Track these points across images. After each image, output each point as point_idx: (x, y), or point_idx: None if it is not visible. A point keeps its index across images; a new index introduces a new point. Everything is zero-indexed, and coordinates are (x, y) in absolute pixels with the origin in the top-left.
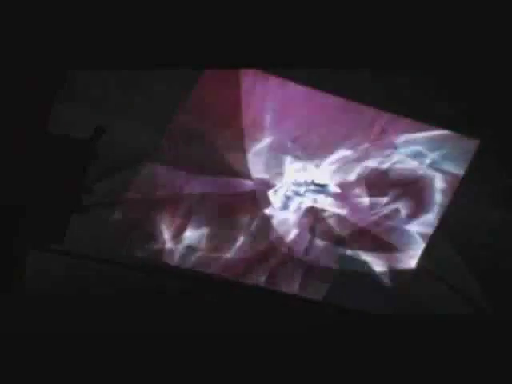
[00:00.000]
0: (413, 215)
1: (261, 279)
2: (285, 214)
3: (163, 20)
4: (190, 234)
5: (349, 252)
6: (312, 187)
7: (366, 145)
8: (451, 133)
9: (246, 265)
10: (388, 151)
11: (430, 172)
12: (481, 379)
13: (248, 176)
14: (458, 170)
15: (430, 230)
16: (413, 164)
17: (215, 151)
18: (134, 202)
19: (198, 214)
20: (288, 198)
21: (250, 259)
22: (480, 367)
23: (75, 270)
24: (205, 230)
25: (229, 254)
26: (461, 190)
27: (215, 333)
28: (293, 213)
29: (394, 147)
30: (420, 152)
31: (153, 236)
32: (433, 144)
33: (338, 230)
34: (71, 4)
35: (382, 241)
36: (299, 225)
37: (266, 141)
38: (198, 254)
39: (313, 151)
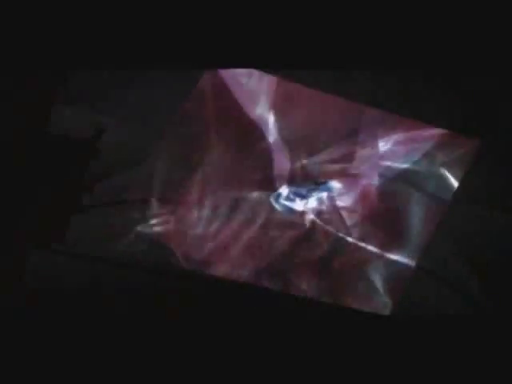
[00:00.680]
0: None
1: (257, 277)
2: (288, 214)
3: (163, 20)
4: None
5: (349, 249)
6: (313, 186)
7: (366, 144)
8: (451, 133)
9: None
10: (388, 151)
11: (431, 172)
12: (481, 379)
13: (248, 181)
14: (458, 170)
15: (432, 225)
16: (412, 163)
17: (215, 151)
18: (133, 202)
19: (198, 214)
20: (291, 201)
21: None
22: (480, 367)
23: (75, 270)
24: (204, 230)
25: (235, 252)
26: (461, 190)
27: (215, 333)
28: (297, 214)
29: (394, 146)
30: (420, 152)
31: (152, 236)
32: (433, 144)
33: (339, 227)
34: (71, 4)
35: (385, 236)
36: (300, 224)
37: (267, 141)
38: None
39: (314, 151)
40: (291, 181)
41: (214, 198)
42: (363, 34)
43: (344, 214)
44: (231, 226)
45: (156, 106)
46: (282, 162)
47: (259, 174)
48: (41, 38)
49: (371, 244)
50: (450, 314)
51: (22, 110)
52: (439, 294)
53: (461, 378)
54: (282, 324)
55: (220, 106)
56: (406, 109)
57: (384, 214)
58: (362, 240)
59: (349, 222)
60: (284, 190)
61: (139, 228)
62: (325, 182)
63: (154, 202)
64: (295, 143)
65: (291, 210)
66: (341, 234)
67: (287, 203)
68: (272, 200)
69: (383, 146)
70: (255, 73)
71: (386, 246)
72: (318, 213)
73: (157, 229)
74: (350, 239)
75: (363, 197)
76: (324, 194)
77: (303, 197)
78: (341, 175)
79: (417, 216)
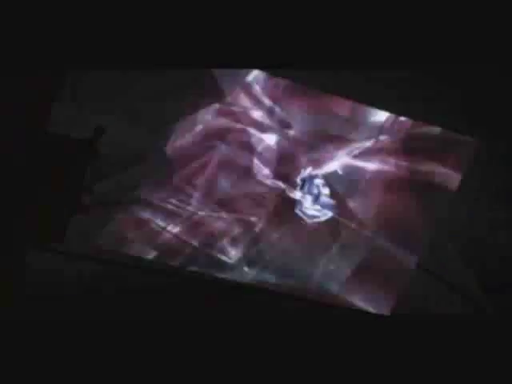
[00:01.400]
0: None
1: None
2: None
3: (163, 20)
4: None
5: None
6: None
7: (367, 144)
8: (451, 133)
9: None
10: (388, 151)
11: (430, 171)
12: (481, 379)
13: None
14: (458, 170)
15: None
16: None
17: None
18: (133, 202)
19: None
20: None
21: None
22: (480, 367)
23: (75, 270)
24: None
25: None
26: (461, 190)
27: (214, 332)
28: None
29: (395, 146)
30: (420, 152)
31: (152, 236)
32: (432, 143)
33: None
34: (71, 4)
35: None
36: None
37: (272, 139)
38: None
39: (318, 149)
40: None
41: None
42: (363, 34)
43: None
44: (236, 226)
45: (156, 106)
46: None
47: (265, 170)
48: (41, 38)
49: (371, 243)
50: (450, 314)
51: (22, 110)
52: (439, 294)
53: (461, 378)
54: (281, 324)
55: (220, 106)
56: (406, 109)
57: (384, 214)
58: (362, 240)
59: (349, 222)
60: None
61: (139, 228)
62: (320, 183)
63: (155, 202)
64: (295, 142)
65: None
66: (341, 234)
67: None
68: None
69: (383, 145)
70: (256, 73)
71: (386, 245)
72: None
73: (157, 229)
74: (349, 239)
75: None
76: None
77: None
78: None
79: (417, 216)
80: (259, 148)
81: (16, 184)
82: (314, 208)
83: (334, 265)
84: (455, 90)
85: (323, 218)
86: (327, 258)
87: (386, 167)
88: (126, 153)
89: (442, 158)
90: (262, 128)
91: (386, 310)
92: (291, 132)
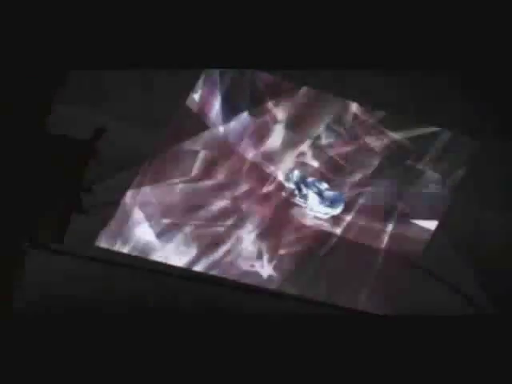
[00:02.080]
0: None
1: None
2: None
3: (163, 20)
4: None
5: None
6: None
7: (367, 144)
8: (451, 133)
9: None
10: (388, 151)
11: (430, 171)
12: (481, 379)
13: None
14: (458, 170)
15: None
16: (413, 163)
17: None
18: (133, 202)
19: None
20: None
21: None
22: (480, 367)
23: (75, 270)
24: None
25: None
26: (460, 190)
27: (214, 333)
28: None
29: (395, 146)
30: (420, 152)
31: (152, 236)
32: (433, 144)
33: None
34: (71, 4)
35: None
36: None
37: (270, 140)
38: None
39: (313, 150)
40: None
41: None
42: (363, 34)
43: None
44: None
45: (156, 105)
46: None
47: (263, 170)
48: (41, 39)
49: (371, 244)
50: (449, 314)
51: (22, 110)
52: (439, 294)
53: (461, 378)
54: (281, 324)
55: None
56: (407, 109)
57: (383, 214)
58: (362, 240)
59: (346, 222)
60: (295, 176)
61: (139, 228)
62: (313, 181)
63: (154, 202)
64: (294, 142)
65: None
66: (340, 234)
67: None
68: (283, 179)
69: (383, 145)
70: (256, 73)
71: (386, 246)
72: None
73: (157, 229)
74: (348, 239)
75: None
76: (311, 191)
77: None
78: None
79: (417, 216)
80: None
81: (16, 184)
82: (322, 206)
83: None
84: (455, 89)
85: (336, 212)
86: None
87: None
88: (125, 153)
89: (441, 158)
90: None
91: (386, 311)
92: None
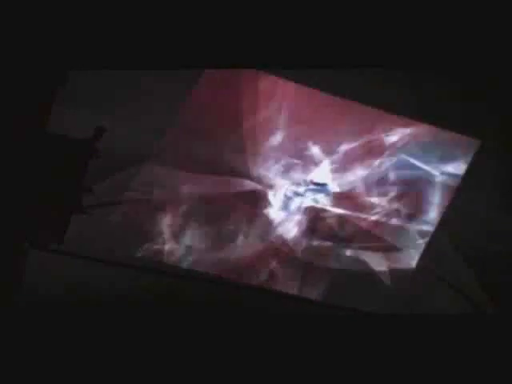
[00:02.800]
0: (413, 215)
1: (261, 279)
2: (285, 213)
3: (163, 20)
4: (190, 234)
5: (349, 252)
6: (311, 187)
7: (366, 145)
8: (451, 133)
9: (246, 264)
10: (388, 151)
11: (430, 172)
12: (481, 379)
13: (248, 176)
14: (458, 170)
15: (430, 230)
16: (413, 164)
17: (215, 151)
18: (133, 202)
19: (197, 214)
20: (288, 199)
21: (250, 259)
22: (480, 367)
23: (75, 270)
24: (205, 230)
25: (229, 254)
26: (461, 190)
27: (215, 333)
28: (293, 213)
29: (395, 147)
30: (420, 152)
31: (152, 236)
32: (433, 144)
33: (338, 229)
34: (71, 4)
35: (382, 240)
36: (299, 224)
37: (266, 141)
38: (198, 253)
39: (312, 151)
40: (290, 179)
41: (212, 195)
42: (362, 35)
43: (336, 219)
44: (230, 222)
45: (156, 105)
46: (281, 162)
47: (260, 172)
48: (41, 38)
49: (371, 245)
50: (450, 314)
51: (22, 110)
52: (439, 294)
53: (460, 378)
54: (282, 324)
55: (221, 106)
56: (407, 109)
57: (376, 223)
58: (363, 240)
59: (340, 228)
60: (282, 188)
61: (139, 228)
62: (323, 184)
63: (154, 201)
64: (294, 142)
65: (287, 206)
66: (340, 235)
67: (284, 200)
68: (270, 197)
69: (383, 146)
70: (256, 73)
71: (387, 246)
72: (315, 213)
73: (157, 229)
74: (349, 238)
75: (356, 207)
76: (321, 195)
77: (300, 195)
78: (337, 177)
79: (417, 215)
80: None
81: (16, 184)
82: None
83: None
84: (455, 89)
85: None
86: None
87: (384, 167)
88: (126, 153)
89: (441, 158)
90: None
91: (386, 310)
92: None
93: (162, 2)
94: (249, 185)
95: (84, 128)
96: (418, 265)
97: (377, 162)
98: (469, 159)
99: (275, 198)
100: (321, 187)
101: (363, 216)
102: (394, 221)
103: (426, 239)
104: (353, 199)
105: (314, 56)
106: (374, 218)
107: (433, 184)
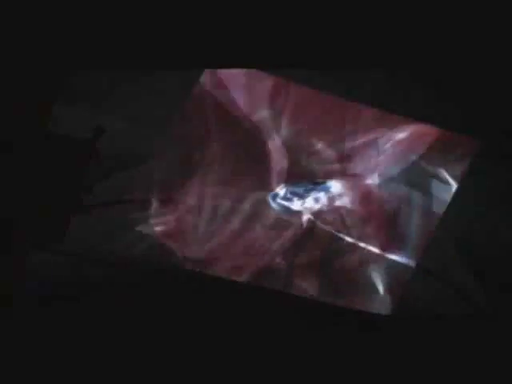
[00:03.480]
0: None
1: (257, 277)
2: (285, 214)
3: (163, 20)
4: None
5: (348, 252)
6: (311, 186)
7: (366, 144)
8: (451, 133)
9: (245, 264)
10: (388, 151)
11: (430, 172)
12: (481, 379)
13: (249, 178)
14: (458, 170)
15: (431, 225)
16: (412, 163)
17: (215, 151)
18: (134, 202)
19: (197, 214)
20: (288, 200)
21: (253, 260)
22: (480, 367)
23: (75, 270)
24: (203, 230)
25: (235, 252)
26: (460, 190)
27: (214, 333)
28: (293, 213)
29: (394, 147)
30: (419, 152)
31: (152, 236)
32: (432, 144)
33: (338, 227)
34: (71, 4)
35: (382, 239)
36: (299, 224)
37: (266, 141)
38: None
39: (313, 151)
40: (289, 180)
41: (214, 198)
42: (363, 34)
43: (343, 214)
44: (231, 225)
45: (156, 105)
46: (281, 162)
47: (258, 174)
48: (41, 38)
49: (371, 244)
50: (450, 314)
51: (22, 110)
52: (439, 294)
53: (460, 378)
54: (282, 324)
55: (220, 107)
56: (406, 109)
57: (384, 215)
58: (362, 240)
59: (348, 223)
60: (281, 190)
61: (139, 228)
62: (323, 182)
63: (154, 202)
64: (295, 143)
65: (288, 210)
66: (340, 235)
67: (284, 203)
68: (269, 199)
69: (383, 146)
70: (256, 73)
71: (386, 246)
72: (316, 213)
73: (157, 229)
74: (349, 239)
75: (363, 197)
76: (322, 194)
77: (300, 196)
78: (340, 175)
79: (416, 216)
80: None
81: (16, 184)
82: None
83: None
84: (455, 89)
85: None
86: None
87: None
88: (126, 153)
89: (441, 158)
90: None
91: (386, 311)
92: None
93: (162, 2)
94: (248, 190)
95: (84, 128)
96: (418, 265)
97: (377, 162)
98: (469, 159)
99: (275, 203)
100: (320, 186)
101: (363, 212)
102: (395, 221)
103: (427, 234)
104: (353, 196)
105: (313, 56)
106: (374, 211)
107: (432, 184)
